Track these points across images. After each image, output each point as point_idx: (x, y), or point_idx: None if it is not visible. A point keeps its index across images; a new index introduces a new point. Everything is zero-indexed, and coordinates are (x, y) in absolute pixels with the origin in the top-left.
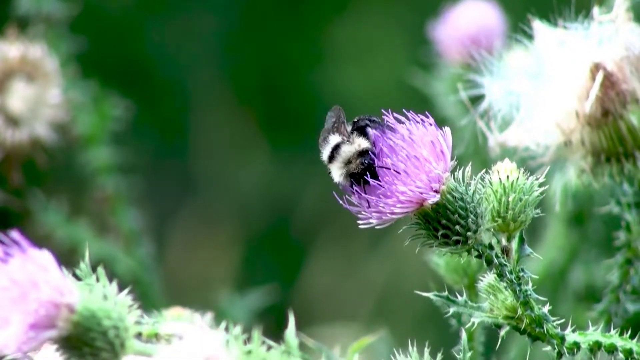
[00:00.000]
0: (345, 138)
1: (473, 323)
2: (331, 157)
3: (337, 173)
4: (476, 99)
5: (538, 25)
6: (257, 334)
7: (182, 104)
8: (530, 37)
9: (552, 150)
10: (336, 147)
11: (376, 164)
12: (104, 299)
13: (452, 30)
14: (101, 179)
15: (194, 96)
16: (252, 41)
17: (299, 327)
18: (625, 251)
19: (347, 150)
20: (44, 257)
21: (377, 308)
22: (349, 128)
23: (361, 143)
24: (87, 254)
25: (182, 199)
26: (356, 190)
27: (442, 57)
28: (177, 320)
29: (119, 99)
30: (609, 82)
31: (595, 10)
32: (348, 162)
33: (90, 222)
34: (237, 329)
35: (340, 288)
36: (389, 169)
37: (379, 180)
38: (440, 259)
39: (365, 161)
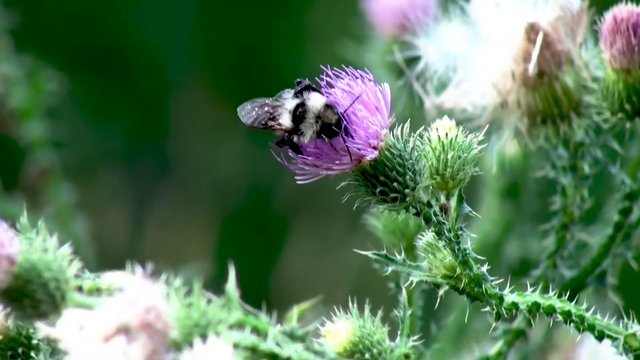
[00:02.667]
0: (301, 100)
1: (412, 282)
2: (300, 118)
3: (309, 131)
4: (411, 62)
5: None
6: (197, 287)
7: (162, 85)
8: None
9: (488, 111)
10: (299, 106)
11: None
12: (44, 251)
13: (384, 1)
14: (36, 153)
15: (173, 77)
16: (229, 21)
17: (278, 308)
18: (561, 216)
19: (312, 105)
20: None
21: (354, 289)
22: (290, 95)
23: (319, 98)
24: (24, 212)
25: (161, 179)
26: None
27: (375, 28)
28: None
29: (53, 72)
30: (545, 43)
31: None
32: (318, 117)
33: (24, 196)
34: (178, 282)
35: (318, 269)
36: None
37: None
38: (378, 222)
39: (336, 110)
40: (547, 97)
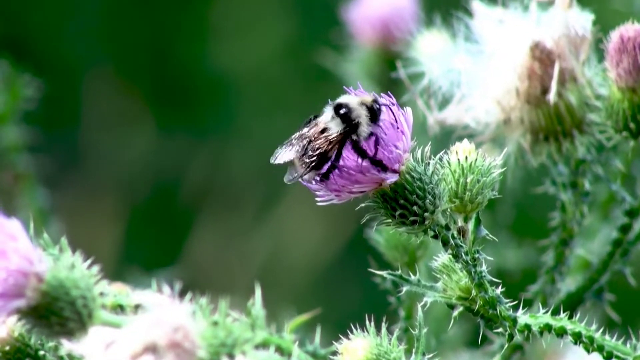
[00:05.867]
0: (333, 104)
1: (426, 302)
2: (347, 115)
3: (363, 119)
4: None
5: (477, 5)
6: (223, 305)
7: (72, 76)
8: (470, 15)
9: (491, 128)
10: (340, 108)
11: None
12: (71, 268)
13: (365, 11)
14: (11, 158)
15: (83, 68)
16: (139, 12)
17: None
18: (560, 232)
19: (348, 100)
20: (13, 226)
21: (259, 280)
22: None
23: (347, 95)
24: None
25: (68, 170)
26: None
27: (355, 38)
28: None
29: (30, 78)
30: (549, 60)
31: None
32: (360, 103)
33: None
34: (203, 300)
35: (222, 260)
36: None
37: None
38: (379, 237)
39: (379, 100)
40: (551, 114)
